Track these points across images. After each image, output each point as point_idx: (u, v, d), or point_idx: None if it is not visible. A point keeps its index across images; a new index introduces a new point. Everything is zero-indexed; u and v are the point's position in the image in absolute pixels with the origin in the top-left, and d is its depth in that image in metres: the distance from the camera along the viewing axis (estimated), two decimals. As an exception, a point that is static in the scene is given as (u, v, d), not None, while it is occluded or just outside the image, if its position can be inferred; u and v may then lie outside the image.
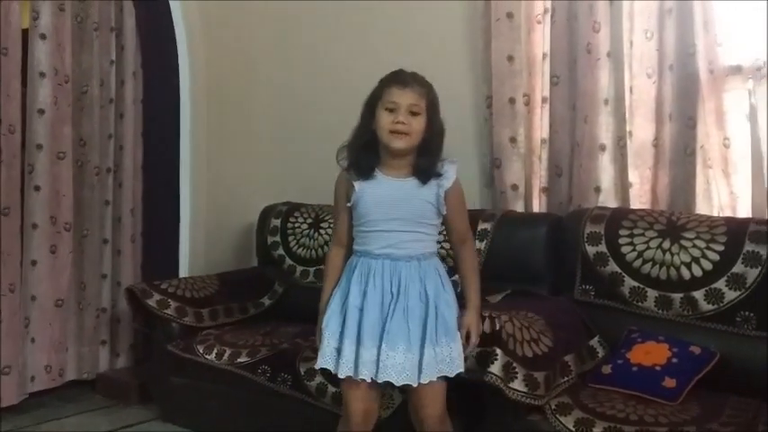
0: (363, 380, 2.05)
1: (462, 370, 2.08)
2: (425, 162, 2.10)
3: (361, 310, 2.07)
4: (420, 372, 2.03)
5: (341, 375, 2.08)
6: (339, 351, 2.08)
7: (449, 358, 2.05)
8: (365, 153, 2.13)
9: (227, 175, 3.95)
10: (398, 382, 2.03)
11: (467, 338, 2.10)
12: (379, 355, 2.02)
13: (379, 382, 2.04)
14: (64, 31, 3.53)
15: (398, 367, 2.01)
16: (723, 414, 2.11)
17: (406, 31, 3.60)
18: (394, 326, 2.03)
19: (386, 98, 2.07)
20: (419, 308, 2.06)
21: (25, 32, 3.41)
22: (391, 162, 2.12)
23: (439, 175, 2.10)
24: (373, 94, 2.13)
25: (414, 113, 2.05)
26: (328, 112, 3.84)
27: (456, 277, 2.24)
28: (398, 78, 2.09)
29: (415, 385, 2.04)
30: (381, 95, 2.09)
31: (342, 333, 2.09)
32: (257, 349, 2.94)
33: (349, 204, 2.15)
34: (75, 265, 3.63)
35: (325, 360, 2.10)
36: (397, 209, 2.09)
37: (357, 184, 2.12)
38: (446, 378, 2.09)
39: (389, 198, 2.09)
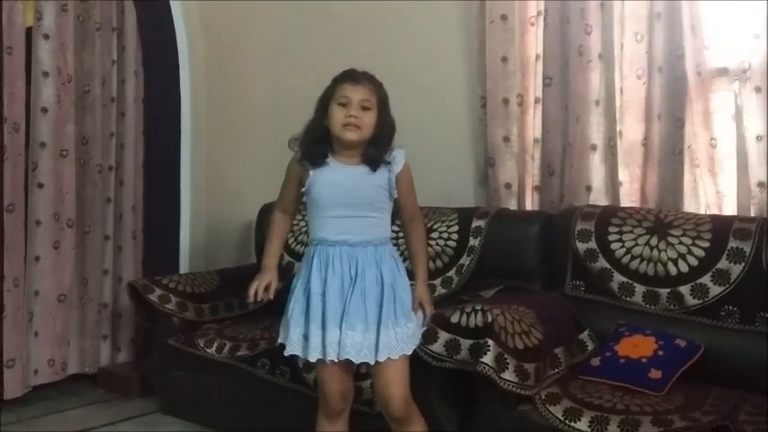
0: (332, 361, 2.14)
1: (417, 344, 2.21)
2: (374, 152, 2.19)
3: (323, 295, 2.16)
4: (377, 350, 2.13)
5: (311, 359, 2.17)
6: (306, 337, 2.18)
7: (406, 337, 2.16)
8: (317, 145, 2.21)
9: (227, 173, 4.01)
10: (357, 360, 2.14)
11: (422, 311, 2.22)
12: (341, 335, 2.12)
13: (340, 359, 2.13)
14: (66, 31, 3.59)
15: (357, 346, 2.12)
16: (706, 404, 2.18)
17: (402, 32, 3.65)
18: (352, 308, 2.13)
19: (338, 93, 2.17)
20: (375, 291, 2.15)
21: (29, 32, 3.47)
22: (343, 153, 2.21)
23: (388, 163, 2.20)
24: (326, 91, 2.23)
25: (365, 108, 2.15)
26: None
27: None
28: (350, 75, 2.20)
29: (372, 363, 2.14)
30: (334, 92, 2.19)
31: (306, 319, 2.18)
32: (257, 343, 3.01)
33: (303, 190, 2.23)
34: (77, 261, 3.70)
35: (293, 347, 2.20)
36: (350, 194, 2.18)
37: (311, 172, 2.20)
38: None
39: (343, 184, 2.18)
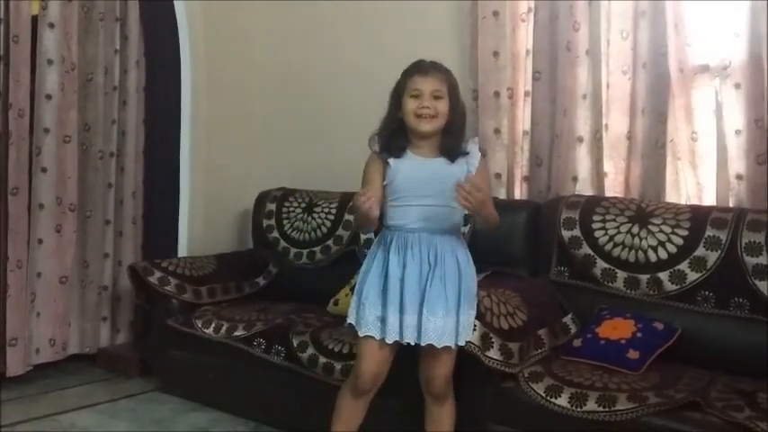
0: (387, 343, 2.17)
1: (470, 336, 2.25)
2: (451, 141, 2.25)
3: (402, 280, 2.19)
4: (457, 334, 2.18)
5: (388, 341, 2.17)
6: (382, 320, 2.19)
7: (469, 325, 2.23)
8: (395, 137, 2.27)
9: (225, 161, 4.09)
10: (440, 344, 2.15)
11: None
12: (420, 319, 2.15)
13: (422, 345, 2.16)
14: (71, 21, 3.66)
15: (439, 330, 2.15)
16: (680, 382, 2.29)
17: (397, 27, 3.74)
18: (433, 292, 2.16)
19: (410, 86, 2.23)
20: (454, 276, 2.20)
21: (34, 20, 3.54)
22: (420, 144, 2.26)
23: (466, 154, 2.26)
24: (398, 85, 2.28)
25: (437, 97, 2.21)
26: (323, 101, 4.01)
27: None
28: (420, 67, 2.26)
29: (453, 347, 2.18)
30: (406, 85, 2.24)
31: (384, 302, 2.20)
32: (253, 323, 3.10)
33: (385, 183, 2.27)
34: (78, 245, 3.78)
35: (368, 328, 2.21)
36: (430, 185, 2.23)
37: (392, 161, 2.24)
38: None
39: (423, 175, 2.23)
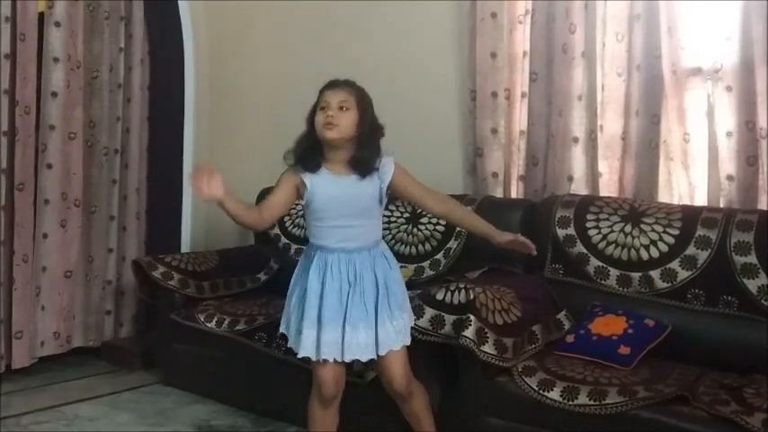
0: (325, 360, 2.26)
1: (408, 341, 2.32)
2: (360, 154, 2.28)
3: (321, 297, 2.25)
4: (377, 345, 2.26)
5: (300, 355, 2.29)
6: (299, 333, 2.29)
7: (402, 328, 2.30)
8: (310, 152, 2.31)
9: (228, 157, 4.12)
10: (364, 359, 2.26)
11: (521, 242, 2.36)
12: (344, 336, 2.24)
13: (347, 361, 2.26)
14: (77, 19, 3.73)
15: (362, 345, 2.24)
16: (670, 378, 2.36)
17: (397, 28, 3.79)
18: (354, 310, 2.24)
19: (320, 100, 2.29)
20: (372, 292, 2.27)
21: (40, 19, 3.60)
22: (333, 159, 2.30)
23: (376, 169, 2.29)
24: (314, 104, 2.33)
25: (343, 108, 2.25)
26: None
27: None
28: (330, 83, 2.32)
29: (375, 358, 2.27)
30: (318, 101, 2.31)
31: (301, 318, 2.28)
32: (254, 318, 3.17)
33: (302, 202, 2.34)
34: (83, 239, 3.84)
35: (291, 341, 2.35)
36: (345, 205, 2.29)
37: (308, 180, 2.28)
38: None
39: (337, 194, 2.28)
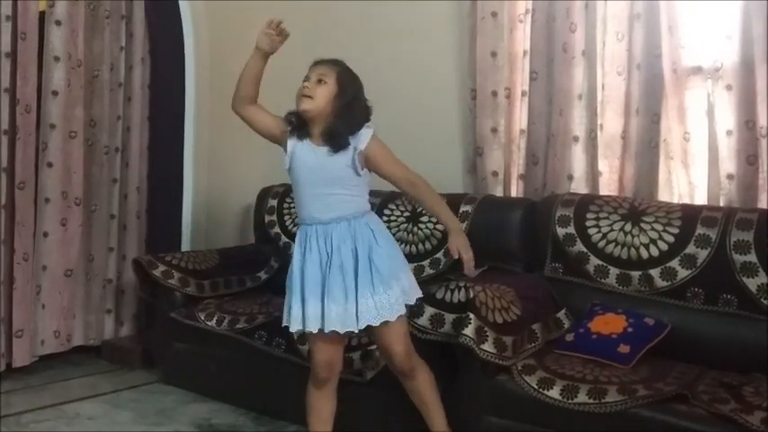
0: (312, 332, 2.28)
1: (403, 312, 2.32)
2: (333, 126, 2.29)
3: (302, 270, 2.30)
4: (358, 319, 2.26)
5: (291, 330, 2.33)
6: (289, 308, 2.34)
7: (387, 304, 2.28)
8: (302, 122, 2.35)
9: (228, 157, 4.14)
10: (342, 330, 2.26)
11: (460, 258, 2.29)
12: (323, 309, 2.26)
13: (326, 332, 2.26)
14: (78, 18, 3.74)
15: (341, 317, 2.25)
16: (669, 376, 2.36)
17: (398, 28, 3.78)
18: (332, 282, 2.26)
19: (305, 76, 2.34)
20: (351, 264, 2.28)
21: (41, 18, 3.61)
22: (311, 131, 2.34)
23: (347, 143, 2.30)
24: None
25: (321, 82, 2.30)
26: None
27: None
28: (316, 60, 2.39)
29: (356, 332, 2.29)
30: None
31: (290, 294, 2.34)
32: (254, 317, 3.17)
33: (286, 168, 2.38)
34: (83, 238, 3.86)
35: (283, 317, 2.38)
36: (315, 174, 2.31)
37: (290, 144, 2.34)
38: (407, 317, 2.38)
39: (309, 164, 2.32)
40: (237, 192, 4.20)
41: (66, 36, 3.67)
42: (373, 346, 2.64)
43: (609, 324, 2.64)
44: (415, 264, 3.31)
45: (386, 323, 2.28)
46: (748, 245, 2.58)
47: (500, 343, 2.41)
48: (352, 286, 2.27)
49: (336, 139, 2.29)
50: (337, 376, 2.44)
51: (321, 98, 2.29)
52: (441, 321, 2.47)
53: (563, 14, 3.20)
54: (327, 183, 2.31)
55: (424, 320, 2.49)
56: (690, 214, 2.75)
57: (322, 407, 2.44)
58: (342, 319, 2.26)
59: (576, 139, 3.21)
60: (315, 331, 2.28)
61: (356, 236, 2.31)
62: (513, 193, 3.42)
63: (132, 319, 4.14)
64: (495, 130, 3.41)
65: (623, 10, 3.09)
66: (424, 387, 2.42)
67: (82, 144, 3.79)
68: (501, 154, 3.42)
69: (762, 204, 2.80)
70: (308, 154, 2.32)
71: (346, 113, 2.30)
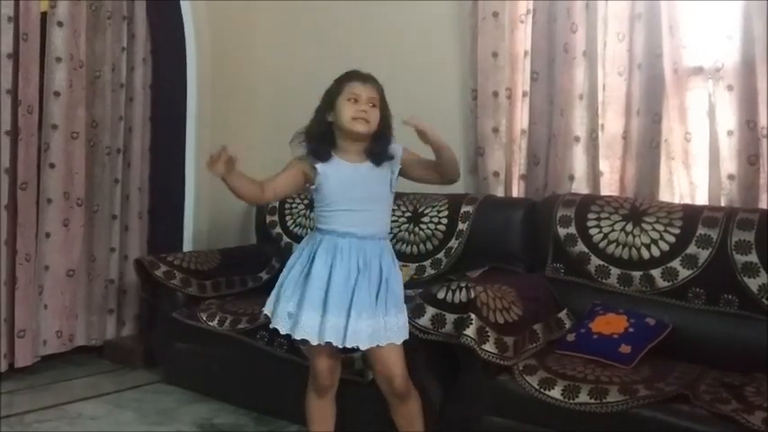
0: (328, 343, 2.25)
1: (407, 337, 2.31)
2: (378, 146, 2.32)
3: (327, 281, 2.26)
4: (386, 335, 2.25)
5: (297, 338, 2.27)
6: (291, 315, 2.27)
7: (396, 327, 2.28)
8: (322, 140, 2.34)
9: (230, 157, 4.15)
10: (363, 347, 2.24)
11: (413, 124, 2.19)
12: (348, 321, 2.23)
13: (349, 346, 2.25)
14: (79, 19, 3.73)
15: (369, 331, 2.23)
16: (670, 376, 2.36)
17: (399, 28, 3.80)
18: (361, 296, 2.23)
19: (348, 90, 2.29)
20: (377, 283, 2.28)
21: (43, 19, 3.60)
22: (348, 148, 2.33)
23: (390, 158, 2.34)
24: (332, 89, 2.35)
25: (372, 105, 2.29)
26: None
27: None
28: (359, 75, 2.33)
29: (383, 345, 2.25)
30: (342, 90, 2.31)
31: (300, 301, 2.27)
32: (256, 317, 3.15)
33: (313, 186, 2.35)
34: (85, 239, 3.85)
35: (276, 321, 2.30)
36: (359, 189, 2.31)
37: (319, 167, 2.32)
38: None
39: (352, 179, 2.31)
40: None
41: (68, 37, 3.67)
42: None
43: (610, 324, 2.65)
44: (417, 264, 3.32)
45: (392, 345, 2.27)
46: (749, 245, 2.59)
47: (501, 343, 2.41)
48: (374, 304, 2.26)
49: (382, 156, 2.32)
50: (337, 381, 2.43)
51: (375, 122, 2.29)
52: (442, 321, 2.47)
53: (564, 15, 3.21)
54: (366, 198, 2.32)
55: (425, 321, 2.49)
56: (691, 214, 2.76)
57: (326, 414, 2.44)
58: (369, 333, 2.23)
59: (577, 139, 3.21)
60: (333, 343, 2.24)
61: (382, 256, 2.32)
62: (515, 194, 3.44)
63: (134, 319, 4.14)
64: (496, 131, 3.42)
65: (624, 10, 3.10)
66: (416, 414, 2.39)
67: (84, 145, 3.78)
68: (502, 154, 3.43)
69: (763, 204, 2.81)
70: (346, 173, 2.32)
71: (387, 133, 2.35)
